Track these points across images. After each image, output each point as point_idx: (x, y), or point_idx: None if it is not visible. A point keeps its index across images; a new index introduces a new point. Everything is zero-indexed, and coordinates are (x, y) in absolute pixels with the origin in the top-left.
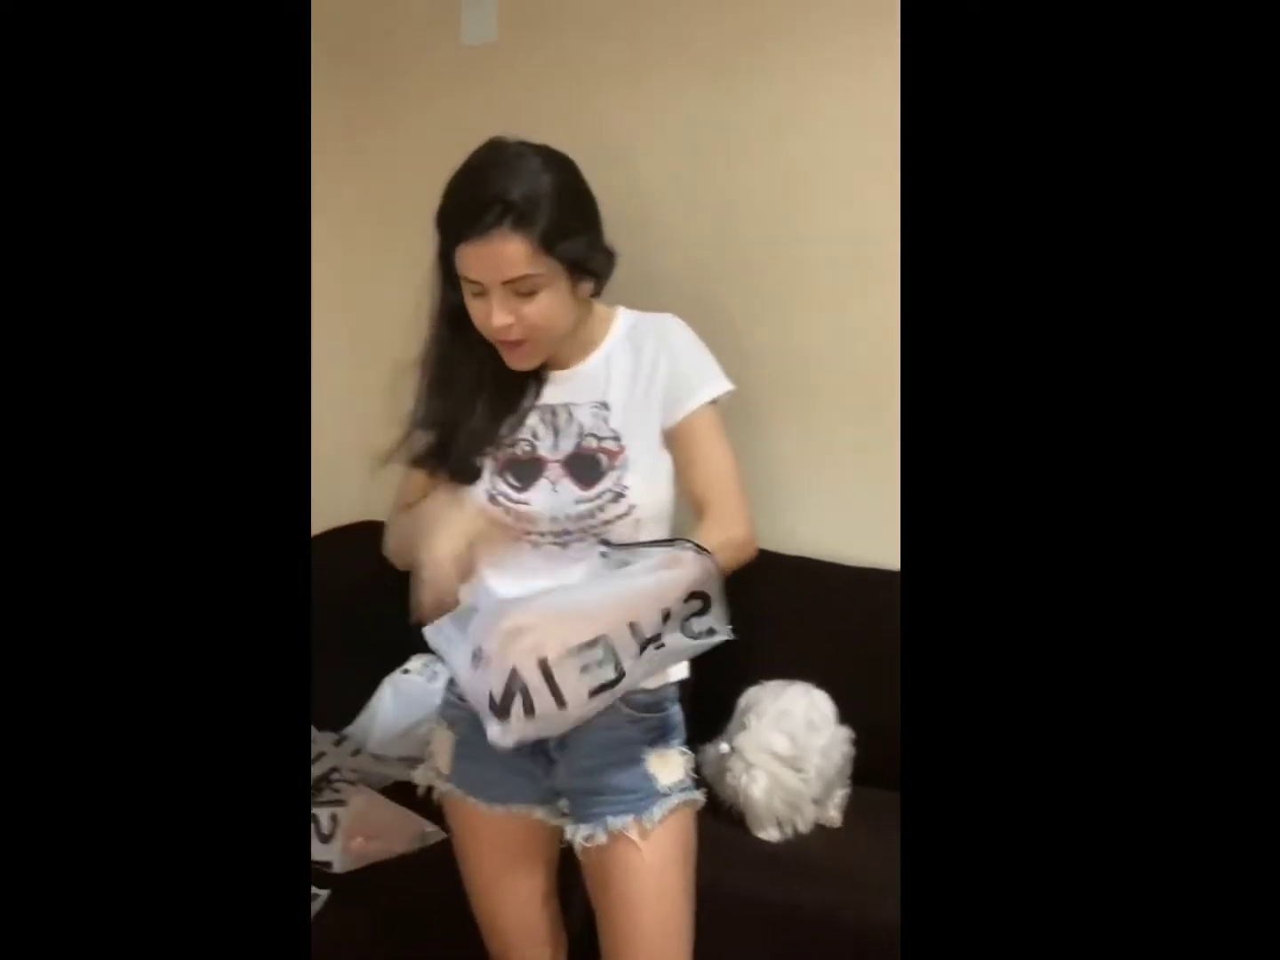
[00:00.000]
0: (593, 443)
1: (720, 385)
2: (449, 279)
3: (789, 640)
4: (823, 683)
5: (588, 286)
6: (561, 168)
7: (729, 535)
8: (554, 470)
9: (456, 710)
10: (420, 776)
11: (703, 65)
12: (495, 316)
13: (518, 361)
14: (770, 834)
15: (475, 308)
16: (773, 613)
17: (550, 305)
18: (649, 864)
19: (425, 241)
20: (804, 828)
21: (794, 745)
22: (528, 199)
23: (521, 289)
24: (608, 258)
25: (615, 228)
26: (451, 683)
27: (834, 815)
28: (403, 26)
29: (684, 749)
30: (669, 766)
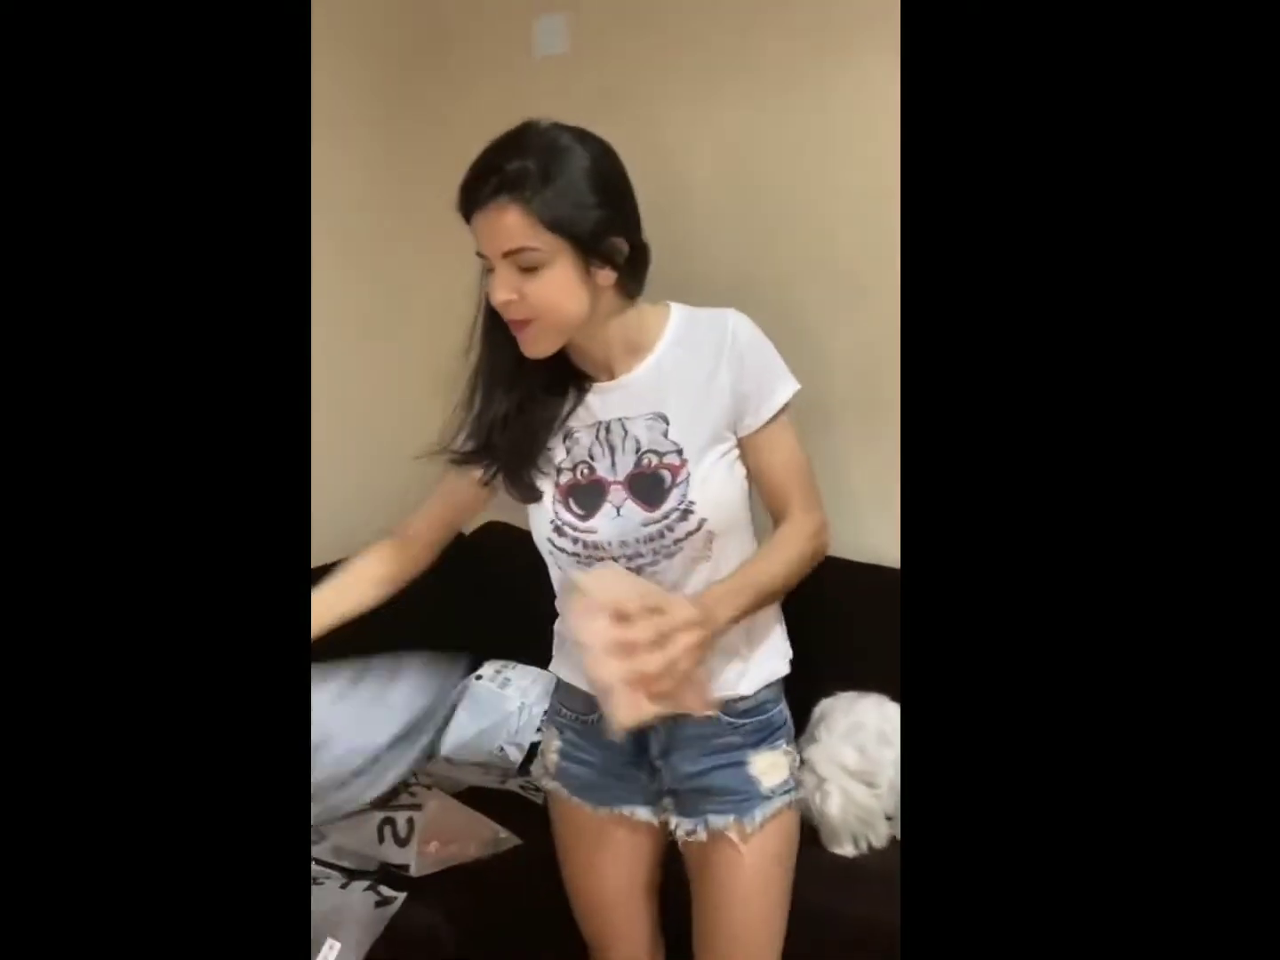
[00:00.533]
0: (653, 459)
1: (790, 387)
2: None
3: (863, 650)
4: (898, 695)
5: (607, 275)
6: (593, 149)
7: (818, 521)
8: (617, 493)
9: (559, 715)
10: (535, 769)
11: (769, 79)
12: (496, 291)
13: (527, 345)
14: (845, 849)
15: (489, 287)
16: (847, 622)
17: (554, 284)
18: (748, 864)
19: None
20: (878, 843)
21: (865, 759)
22: (525, 170)
23: (523, 263)
24: (636, 252)
25: (680, 235)
26: (557, 689)
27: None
28: (477, 41)
29: (789, 748)
30: (773, 768)
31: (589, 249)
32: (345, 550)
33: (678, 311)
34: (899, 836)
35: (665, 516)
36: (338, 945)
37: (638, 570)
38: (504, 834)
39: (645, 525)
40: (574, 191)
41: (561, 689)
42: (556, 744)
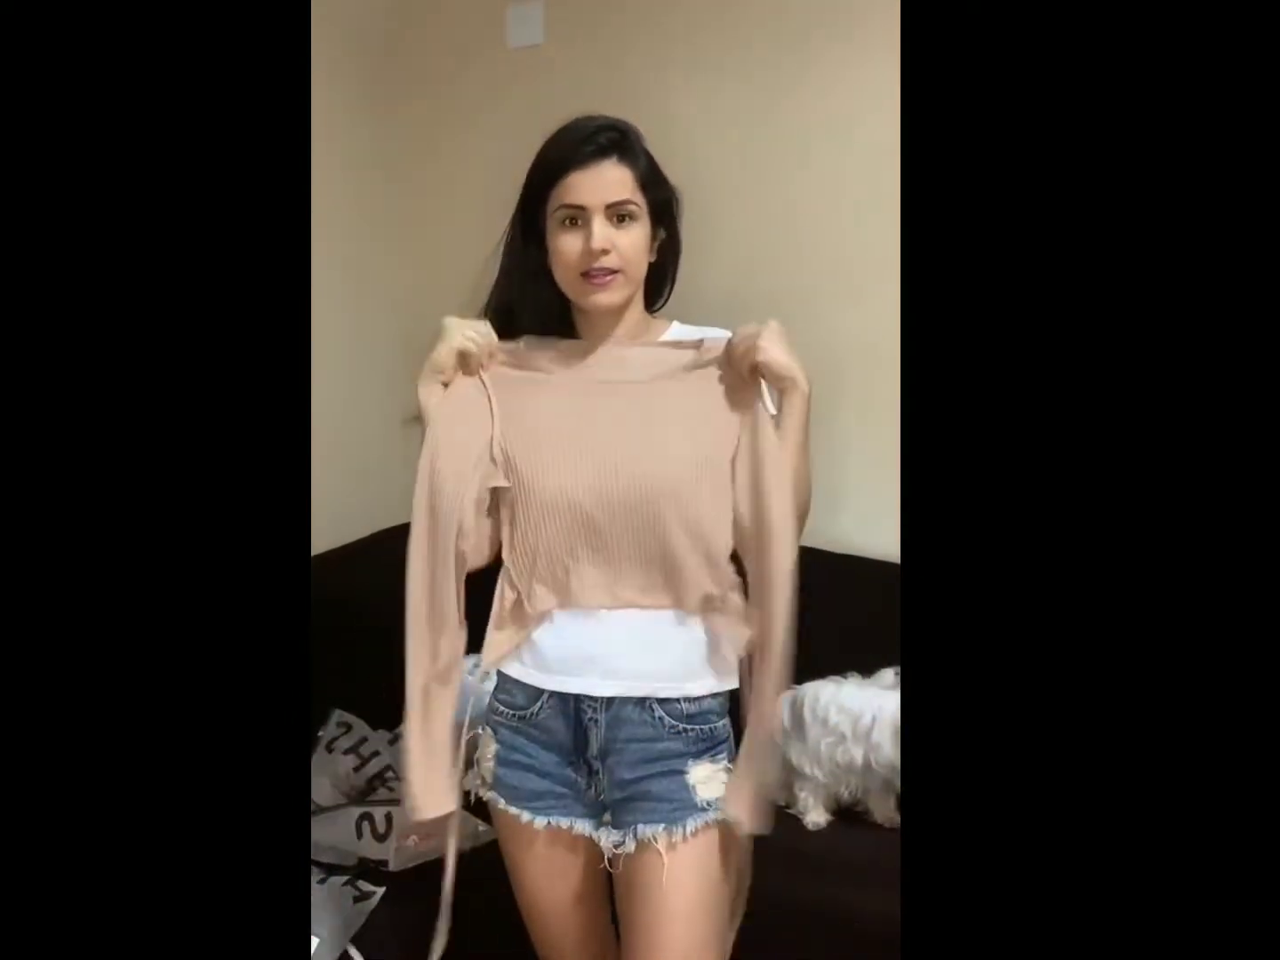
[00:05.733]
0: None
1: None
2: (529, 233)
3: (836, 638)
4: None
5: (654, 247)
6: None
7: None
8: None
9: (497, 715)
10: (468, 782)
11: (749, 66)
12: (596, 239)
13: (605, 296)
14: (823, 817)
15: (567, 241)
16: (820, 610)
17: (639, 240)
18: (674, 878)
19: (482, 232)
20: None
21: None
22: (628, 137)
23: (620, 213)
24: (674, 240)
25: None
26: (497, 688)
27: (894, 816)
28: (450, 32)
29: (729, 765)
30: (712, 780)
31: (660, 218)
32: (341, 538)
33: (678, 324)
34: (882, 822)
35: None
36: (316, 940)
37: None
38: (483, 827)
39: None
40: (653, 164)
41: (502, 686)
42: (494, 749)
